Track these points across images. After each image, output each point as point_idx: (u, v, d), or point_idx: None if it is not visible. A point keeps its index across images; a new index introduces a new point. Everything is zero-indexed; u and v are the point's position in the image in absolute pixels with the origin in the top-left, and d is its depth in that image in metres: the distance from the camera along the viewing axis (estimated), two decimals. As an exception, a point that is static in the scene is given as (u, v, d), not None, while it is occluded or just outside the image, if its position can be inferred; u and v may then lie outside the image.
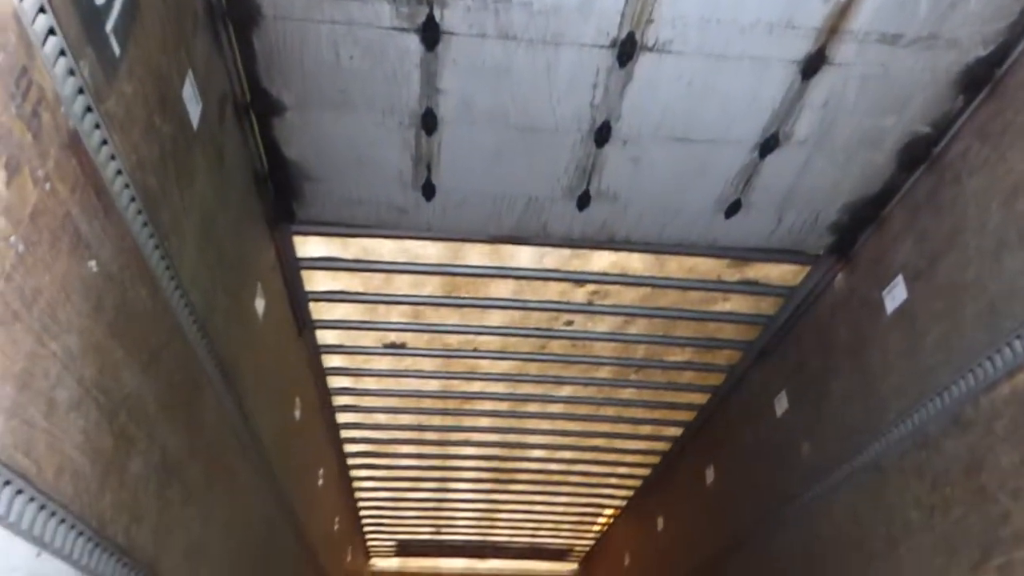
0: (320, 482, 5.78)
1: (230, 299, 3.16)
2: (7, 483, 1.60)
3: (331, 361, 5.35)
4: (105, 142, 1.92)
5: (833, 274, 4.19)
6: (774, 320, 4.77)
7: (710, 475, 5.90)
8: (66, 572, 1.85)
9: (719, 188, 3.65)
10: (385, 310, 4.75)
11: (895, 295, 3.67)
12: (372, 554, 10.06)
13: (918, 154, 3.42)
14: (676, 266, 4.37)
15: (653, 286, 4.50)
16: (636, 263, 4.34)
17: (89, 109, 1.83)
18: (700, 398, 5.87)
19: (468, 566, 10.47)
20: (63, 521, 1.84)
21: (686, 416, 6.15)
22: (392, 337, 5.05)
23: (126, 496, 2.20)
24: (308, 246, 4.15)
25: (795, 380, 4.64)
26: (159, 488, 2.46)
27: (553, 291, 4.58)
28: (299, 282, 4.34)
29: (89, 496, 1.97)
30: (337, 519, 6.83)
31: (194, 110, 2.57)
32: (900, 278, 3.62)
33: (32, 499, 1.69)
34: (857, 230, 3.90)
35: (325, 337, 5.03)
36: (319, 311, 4.73)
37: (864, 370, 3.86)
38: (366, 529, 9.00)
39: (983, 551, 2.96)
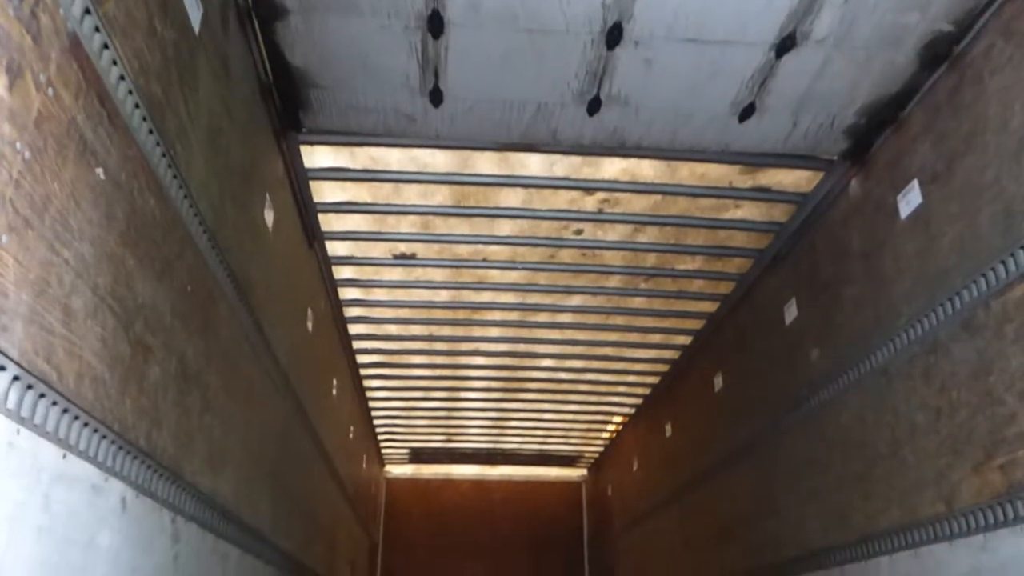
0: (334, 392, 5.89)
1: (239, 210, 3.15)
2: (30, 387, 1.63)
3: (341, 273, 5.37)
4: (106, 46, 1.88)
5: (847, 179, 4.14)
6: (786, 227, 4.74)
7: (718, 382, 5.97)
8: (92, 473, 1.90)
9: (733, 91, 3.56)
10: (394, 220, 4.74)
11: (910, 199, 3.62)
12: (386, 462, 10.35)
13: (940, 53, 3.32)
14: (687, 173, 4.31)
15: (664, 194, 4.46)
16: (647, 170, 4.29)
17: (87, 11, 1.78)
18: (710, 307, 5.89)
19: (479, 472, 10.77)
20: (86, 425, 1.88)
21: (695, 325, 6.19)
22: (402, 248, 5.05)
23: (146, 403, 2.25)
24: (316, 156, 4.11)
25: (805, 287, 4.64)
26: (178, 396, 2.51)
27: (563, 199, 4.55)
28: (308, 193, 4.32)
29: (110, 402, 2.01)
30: (352, 428, 6.99)
31: (195, 15, 2.51)
32: (915, 182, 3.57)
33: (55, 403, 1.73)
34: (873, 134, 3.82)
35: (335, 249, 5.04)
36: (328, 222, 4.72)
37: (876, 276, 3.86)
38: (380, 438, 9.22)
39: (987, 451, 3.01)
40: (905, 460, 3.54)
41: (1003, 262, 2.97)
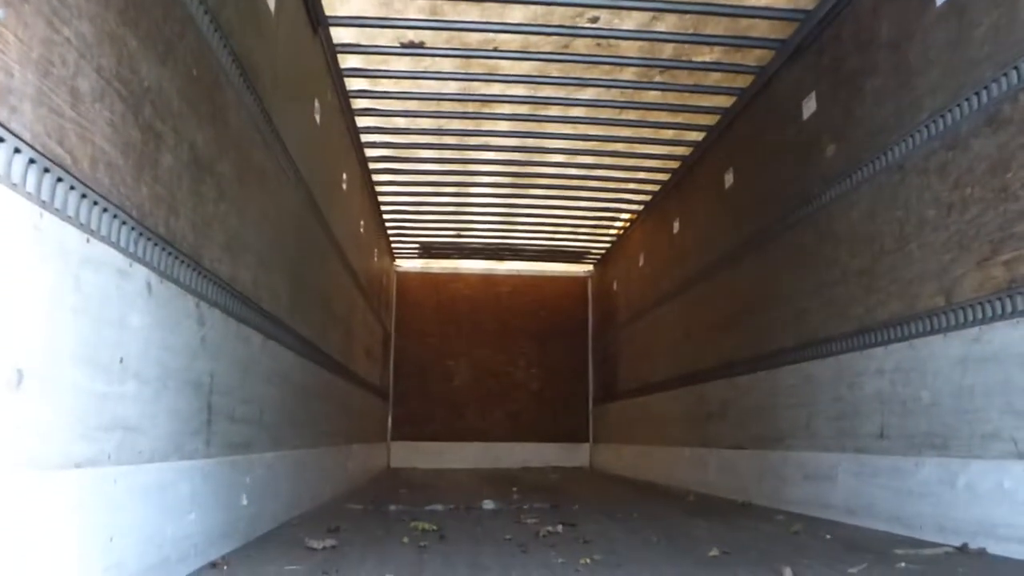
0: (344, 187, 5.89)
1: (238, -10, 2.99)
2: (47, 171, 1.62)
3: (347, 62, 5.19)
4: None
5: (883, -38, 3.87)
6: (812, 15, 4.51)
7: (729, 179, 5.95)
8: (116, 258, 1.95)
9: None
10: (401, 5, 4.51)
11: (948, -16, 3.41)
12: (397, 256, 10.57)
13: None
14: (713, -47, 4.04)
15: (686, -24, 4.20)
16: (670, -50, 4.01)
17: None
18: (725, 101, 5.74)
19: (487, 267, 11.02)
20: (105, 211, 1.90)
21: (709, 120, 6.06)
22: (410, 35, 4.85)
23: (161, 190, 2.26)
24: (315, -69, 3.84)
25: (826, 80, 4.48)
26: (193, 184, 2.52)
27: (579, -17, 4.29)
28: (308, -27, 4.08)
29: (126, 188, 2.02)
30: (362, 223, 7.07)
31: None
32: (956, -35, 3.34)
33: (72, 188, 1.73)
34: (918, -91, 3.53)
35: (340, 36, 4.83)
36: (332, 6, 4.50)
37: (902, 67, 3.72)
38: (390, 232, 9.35)
39: (993, 246, 3.05)
40: (911, 254, 3.60)
41: (1039, 53, 2.84)
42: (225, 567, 2.54)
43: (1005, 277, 2.98)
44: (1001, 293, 2.99)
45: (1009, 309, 2.95)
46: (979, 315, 3.11)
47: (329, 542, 3.06)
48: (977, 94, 3.18)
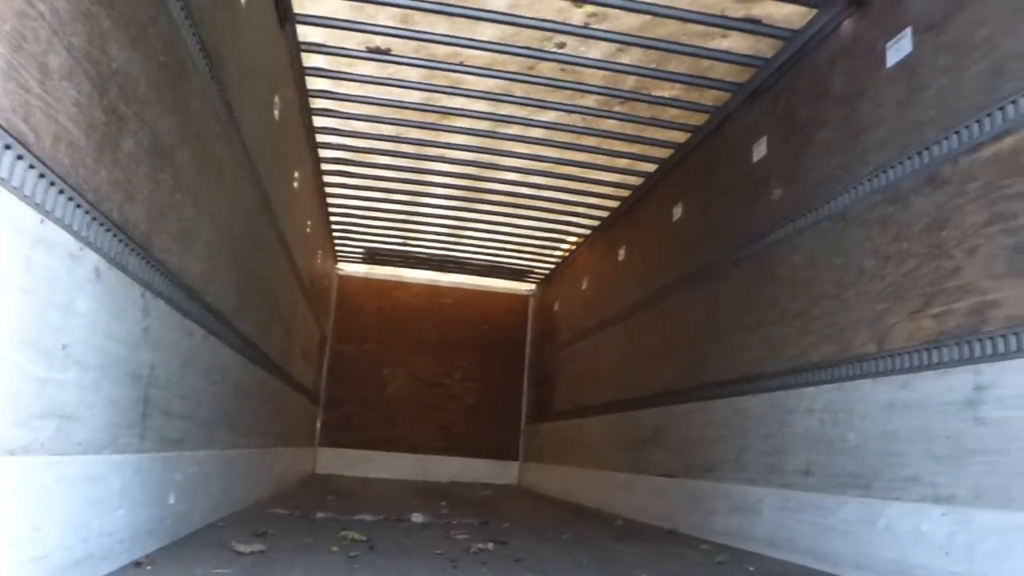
0: (296, 185, 5.83)
1: (212, -21, 2.95)
2: (7, 147, 1.58)
3: (312, 60, 5.15)
4: None
5: (840, 20, 4.04)
6: (770, 63, 4.67)
7: (678, 212, 6.08)
8: (68, 241, 1.90)
9: (745, -92, 3.36)
10: (372, 10, 4.50)
11: (900, 47, 3.58)
12: (341, 259, 10.46)
13: None
14: (683, -7, 4.15)
15: (654, 14, 4.31)
16: (641, -14, 4.11)
17: None
18: (680, 136, 5.88)
19: (431, 278, 10.99)
20: (62, 192, 1.85)
21: (663, 153, 6.20)
22: (377, 41, 4.84)
23: (120, 174, 2.21)
24: (292, -71, 3.82)
25: (779, 127, 4.64)
26: (151, 170, 2.47)
27: (550, 8, 4.36)
28: (281, -31, 4.05)
29: (85, 170, 1.97)
30: (309, 222, 6.99)
31: None
32: (909, 30, 3.52)
33: (32, 166, 1.69)
34: (878, -28, 3.70)
35: (307, 34, 4.80)
36: (302, 4, 4.47)
37: (852, 122, 3.87)
38: (335, 235, 9.26)
39: (926, 299, 3.19)
40: (847, 301, 3.74)
41: (979, 121, 3.01)
42: (149, 567, 2.48)
43: (934, 329, 3.12)
44: (929, 344, 3.13)
45: (936, 360, 3.09)
46: (908, 364, 3.25)
47: (257, 547, 3.01)
48: (920, 154, 3.34)
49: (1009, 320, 2.74)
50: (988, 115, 2.97)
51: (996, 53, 2.96)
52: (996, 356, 2.78)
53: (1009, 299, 2.76)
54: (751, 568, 3.53)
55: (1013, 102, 2.85)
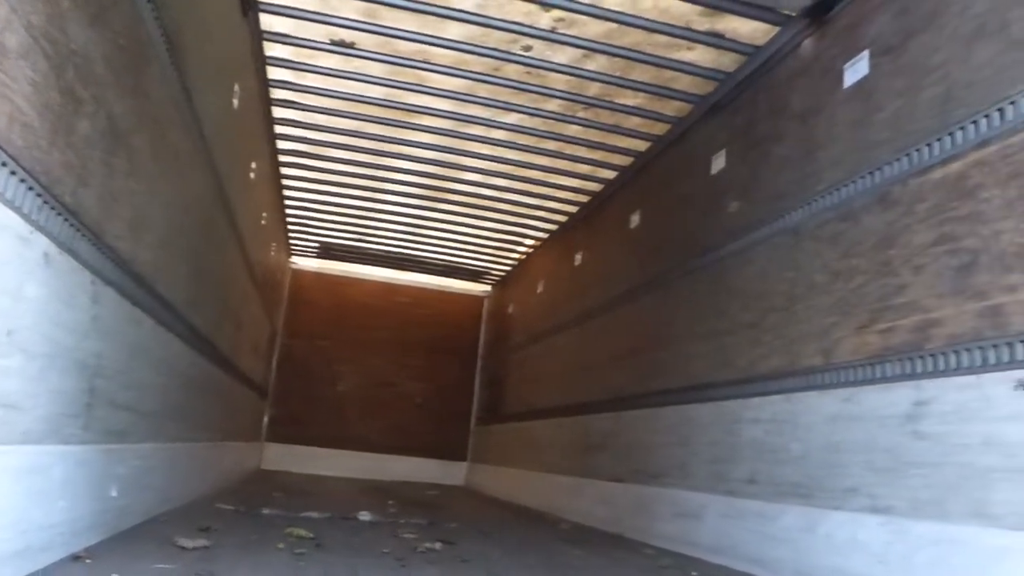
0: (252, 176, 5.74)
1: (176, -37, 2.90)
2: (-41, 125, 1.54)
3: (273, 50, 5.08)
4: None
5: (801, 38, 4.13)
6: (732, 77, 4.75)
7: (635, 219, 6.14)
8: (19, 224, 1.85)
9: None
10: (338, 2, 4.46)
11: (857, 69, 3.67)
12: (294, 253, 10.33)
13: (924, -79, 3.26)
14: (651, 5, 4.20)
15: (621, 23, 4.35)
16: (609, -6, 4.15)
17: None
18: (641, 145, 5.94)
19: (387, 276, 10.91)
20: (14, 173, 1.80)
21: (623, 161, 6.26)
22: (342, 34, 4.80)
23: (73, 158, 2.16)
24: (260, -83, 3.76)
25: (737, 140, 4.72)
26: (106, 155, 2.41)
27: (518, 11, 4.37)
28: (247, -43, 3.99)
29: (39, 152, 1.92)
30: (264, 214, 6.89)
31: None
32: (867, 53, 3.61)
33: (-16, 146, 1.64)
34: (838, -5, 3.80)
35: (271, 23, 4.73)
36: (266, -7, 4.41)
37: (808, 139, 3.96)
38: (290, 228, 9.14)
39: (872, 316, 3.28)
40: (796, 314, 3.82)
41: (930, 145, 3.10)
42: (88, 560, 2.42)
43: (879, 344, 3.21)
44: (874, 359, 3.21)
45: (879, 375, 3.18)
46: (852, 377, 3.33)
47: (201, 542, 2.96)
48: (872, 173, 3.43)
49: (950, 338, 2.84)
50: (938, 139, 3.06)
51: (948, 79, 3.05)
52: (937, 373, 2.88)
53: (951, 318, 2.85)
54: (694, 573, 3.58)
55: (962, 128, 2.94)
